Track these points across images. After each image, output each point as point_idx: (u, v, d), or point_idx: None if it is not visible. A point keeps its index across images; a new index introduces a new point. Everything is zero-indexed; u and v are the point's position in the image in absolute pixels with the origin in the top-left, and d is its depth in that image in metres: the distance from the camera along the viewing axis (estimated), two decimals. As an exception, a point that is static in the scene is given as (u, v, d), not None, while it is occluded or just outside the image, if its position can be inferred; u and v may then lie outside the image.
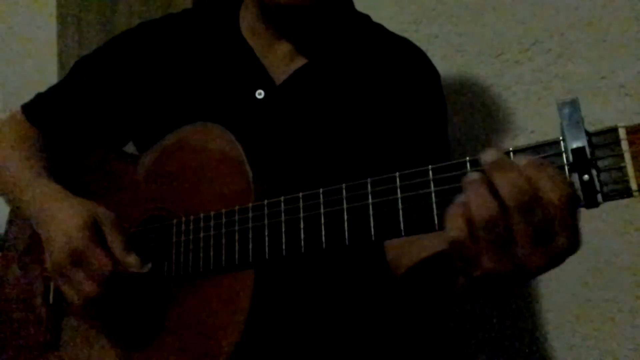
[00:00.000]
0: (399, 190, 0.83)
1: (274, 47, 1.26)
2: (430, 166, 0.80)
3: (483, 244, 0.70)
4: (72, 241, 1.05)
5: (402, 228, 0.82)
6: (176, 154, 1.15)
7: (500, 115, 1.60)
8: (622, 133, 0.67)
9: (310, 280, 1.16)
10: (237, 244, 1.00)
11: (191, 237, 1.07)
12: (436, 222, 0.79)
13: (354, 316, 1.20)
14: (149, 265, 1.07)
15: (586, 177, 0.68)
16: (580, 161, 0.68)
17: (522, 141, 1.55)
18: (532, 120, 1.56)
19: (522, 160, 0.70)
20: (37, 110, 1.37)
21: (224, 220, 1.02)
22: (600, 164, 0.68)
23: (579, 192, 0.69)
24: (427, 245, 1.02)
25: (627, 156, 0.66)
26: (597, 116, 1.43)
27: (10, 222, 1.37)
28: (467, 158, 0.77)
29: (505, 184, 0.68)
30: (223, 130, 1.08)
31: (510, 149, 0.74)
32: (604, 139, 0.68)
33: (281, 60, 1.25)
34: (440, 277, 0.97)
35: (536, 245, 0.69)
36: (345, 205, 0.88)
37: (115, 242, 1.07)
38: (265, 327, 1.05)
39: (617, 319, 1.47)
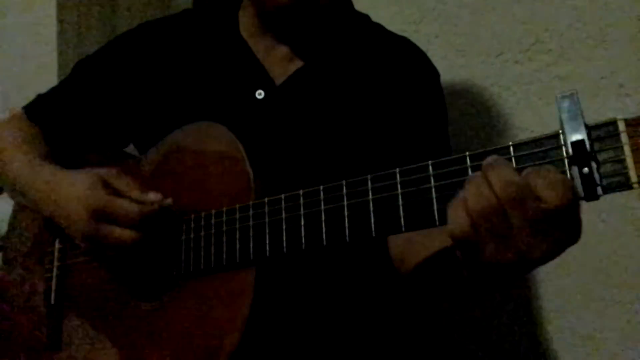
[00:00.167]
0: (399, 186, 0.83)
1: (273, 48, 1.26)
2: (430, 162, 0.80)
3: (484, 234, 0.72)
4: (89, 202, 1.06)
5: (402, 224, 0.83)
6: (177, 154, 1.16)
7: (500, 115, 1.60)
8: (621, 126, 0.67)
9: (311, 278, 1.16)
10: (238, 242, 1.00)
11: (192, 235, 1.07)
12: (436, 217, 0.79)
13: (355, 314, 1.20)
14: (170, 199, 1.07)
15: (586, 169, 0.68)
16: (580, 154, 0.69)
17: (522, 141, 1.55)
18: (532, 120, 1.56)
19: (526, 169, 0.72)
20: (38, 109, 1.37)
21: (224, 218, 1.03)
22: (599, 156, 0.68)
23: (579, 186, 0.70)
24: (433, 242, 1.02)
25: (627, 148, 0.66)
26: (597, 116, 1.42)
27: (11, 223, 1.37)
28: (467, 153, 0.77)
29: (496, 178, 0.70)
30: (224, 130, 1.09)
31: (510, 143, 0.74)
32: (604, 132, 0.69)
33: (281, 61, 1.26)
34: (446, 271, 0.97)
35: (534, 237, 0.70)
36: (345, 202, 0.88)
37: (129, 189, 1.08)
38: (267, 325, 1.06)
39: (617, 319, 1.47)
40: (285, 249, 0.95)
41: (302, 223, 0.93)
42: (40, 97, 1.40)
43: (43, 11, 2.21)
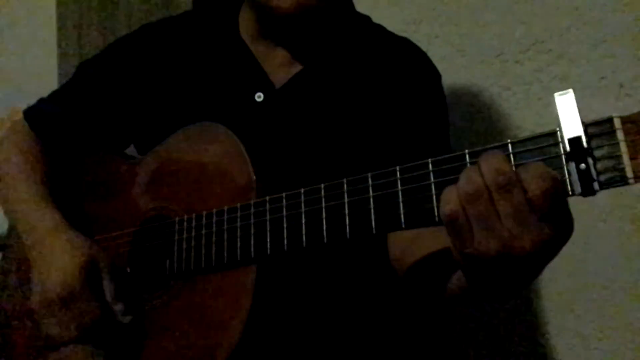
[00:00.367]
0: (399, 183, 0.83)
1: (273, 51, 1.26)
2: (429, 159, 0.81)
3: (471, 219, 0.73)
4: (67, 282, 1.08)
5: (402, 220, 0.83)
6: (178, 154, 1.16)
7: (500, 115, 1.61)
8: (617, 123, 0.68)
9: (312, 277, 1.16)
10: (238, 240, 1.01)
11: (193, 234, 1.07)
12: (436, 214, 0.80)
13: (355, 313, 1.20)
14: (129, 317, 1.10)
15: (583, 166, 0.69)
16: (577, 150, 0.70)
17: (522, 141, 1.55)
18: (532, 120, 1.56)
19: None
20: (38, 115, 1.37)
21: (225, 217, 1.03)
22: (596, 153, 0.69)
23: (573, 182, 0.71)
24: (431, 243, 1.03)
25: (623, 145, 0.67)
26: (597, 116, 1.42)
27: (10, 225, 1.37)
28: (466, 150, 0.78)
29: (487, 166, 0.72)
30: (225, 130, 1.09)
31: (509, 140, 0.75)
32: (600, 129, 0.70)
33: (281, 64, 1.26)
34: (441, 272, 0.98)
35: (519, 226, 0.71)
36: (346, 199, 0.89)
37: (109, 287, 1.10)
38: (267, 324, 1.06)
39: (617, 319, 1.47)
40: (286, 247, 0.95)
41: (303, 221, 0.93)
42: (41, 101, 1.39)
43: (43, 11, 2.22)
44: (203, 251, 1.05)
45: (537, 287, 1.55)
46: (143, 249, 1.15)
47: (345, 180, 0.89)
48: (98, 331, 1.09)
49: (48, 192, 1.25)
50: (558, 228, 0.71)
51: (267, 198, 0.98)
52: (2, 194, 1.30)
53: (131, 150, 1.37)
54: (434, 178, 0.80)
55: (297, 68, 1.25)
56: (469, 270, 0.81)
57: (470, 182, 0.72)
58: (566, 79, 1.52)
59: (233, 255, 1.01)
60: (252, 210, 0.99)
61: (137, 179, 1.21)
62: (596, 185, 0.69)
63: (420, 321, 1.37)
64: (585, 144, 0.69)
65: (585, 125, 0.70)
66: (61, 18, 2.12)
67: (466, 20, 1.66)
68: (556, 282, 1.53)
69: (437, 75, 1.31)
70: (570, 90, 0.72)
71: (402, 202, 0.83)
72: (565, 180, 0.71)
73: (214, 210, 1.05)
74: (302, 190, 0.94)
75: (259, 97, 1.22)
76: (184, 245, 1.08)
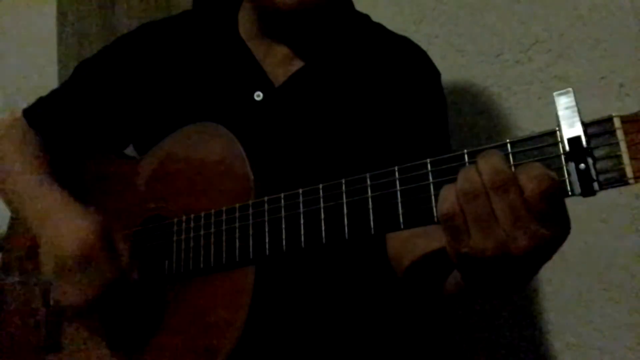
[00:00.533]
0: (397, 183, 0.83)
1: (272, 50, 1.26)
2: (428, 159, 0.81)
3: (467, 218, 0.73)
4: (86, 245, 1.06)
5: (401, 221, 0.83)
6: (177, 154, 1.16)
7: (500, 115, 1.60)
8: (617, 122, 0.68)
9: (311, 277, 1.16)
10: (237, 240, 1.00)
11: (192, 235, 1.07)
12: (435, 214, 0.79)
13: (354, 314, 1.20)
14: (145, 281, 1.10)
15: (582, 166, 0.69)
16: (576, 150, 0.70)
17: (522, 141, 1.55)
18: (532, 120, 1.56)
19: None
20: (38, 114, 1.37)
21: (224, 217, 1.03)
22: (596, 153, 0.69)
23: (572, 183, 0.70)
24: (429, 243, 1.02)
25: (623, 145, 0.67)
26: (597, 116, 1.42)
27: (11, 224, 1.37)
28: (465, 150, 0.78)
29: (485, 165, 0.72)
30: (224, 130, 1.09)
31: (508, 140, 0.75)
32: (600, 129, 0.69)
33: (280, 63, 1.26)
34: (439, 271, 0.98)
35: (514, 227, 0.71)
36: (344, 200, 0.88)
37: (125, 252, 1.09)
38: (266, 324, 1.06)
39: (617, 319, 1.47)
40: (284, 248, 0.95)
41: (302, 221, 0.93)
42: (40, 101, 1.40)
43: (43, 11, 2.22)
44: (202, 252, 1.05)
45: (537, 287, 1.55)
46: (142, 250, 1.15)
47: (343, 181, 0.89)
48: (115, 294, 1.08)
49: (52, 177, 1.26)
50: (554, 229, 0.71)
51: (266, 199, 0.98)
52: (3, 187, 1.30)
53: (130, 150, 1.37)
54: (433, 178, 0.80)
55: (296, 66, 1.25)
56: (464, 270, 0.80)
57: (468, 181, 0.72)
58: (566, 79, 1.52)
59: (232, 256, 1.01)
60: (251, 211, 0.99)
61: (136, 178, 1.21)
62: (596, 186, 0.68)
63: (419, 321, 1.37)
64: (584, 143, 0.69)
65: (585, 125, 0.70)
66: (61, 18, 2.12)
67: (466, 20, 1.66)
68: (556, 282, 1.52)
69: (436, 74, 1.31)
70: (570, 89, 0.71)
71: (401, 202, 0.83)
72: (564, 181, 0.71)
73: (213, 211, 1.04)
74: (301, 190, 0.94)
75: (258, 96, 1.22)
76: (183, 246, 1.08)
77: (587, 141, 0.69)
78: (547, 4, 1.55)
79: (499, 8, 1.61)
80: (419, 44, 1.33)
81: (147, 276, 1.13)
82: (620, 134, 0.67)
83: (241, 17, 1.31)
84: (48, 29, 2.15)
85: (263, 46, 1.27)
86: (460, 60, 1.66)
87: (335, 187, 0.90)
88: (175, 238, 1.10)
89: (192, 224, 1.07)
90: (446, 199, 0.74)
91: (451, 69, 1.64)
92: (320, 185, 0.91)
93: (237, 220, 1.01)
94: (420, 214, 0.81)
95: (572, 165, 0.70)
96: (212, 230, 1.04)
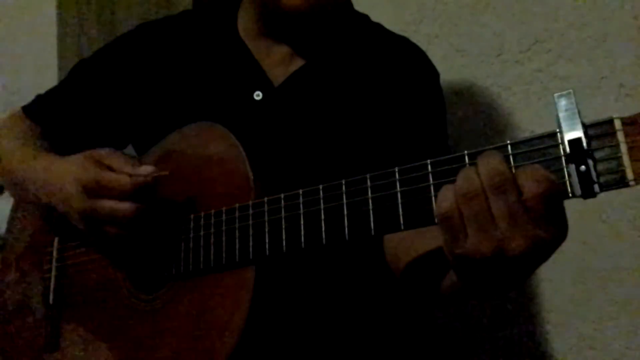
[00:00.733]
0: (398, 184, 0.83)
1: (272, 49, 1.26)
2: (428, 160, 0.81)
3: (465, 218, 0.73)
4: (81, 178, 1.06)
5: (401, 222, 0.83)
6: (176, 154, 1.16)
7: (500, 115, 1.60)
8: (617, 124, 0.68)
9: (310, 278, 1.16)
10: (237, 241, 1.00)
11: (192, 235, 1.07)
12: (435, 217, 0.79)
13: (353, 314, 1.20)
14: (165, 172, 1.06)
15: (583, 167, 0.69)
16: (577, 152, 0.70)
17: (521, 141, 1.55)
18: (532, 120, 1.56)
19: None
20: (37, 109, 1.38)
21: (224, 217, 1.03)
22: (596, 154, 0.69)
23: (573, 184, 0.70)
24: (427, 242, 1.02)
25: (623, 147, 0.67)
26: (597, 116, 1.42)
27: (10, 224, 1.37)
28: (466, 152, 0.78)
29: (484, 166, 0.72)
30: (223, 130, 1.09)
31: (508, 141, 0.75)
32: (600, 131, 0.69)
33: (279, 62, 1.26)
34: (436, 271, 0.98)
35: (512, 229, 0.71)
36: (345, 201, 0.88)
37: (121, 163, 1.07)
38: (266, 325, 1.05)
39: (617, 319, 1.47)
40: (284, 248, 0.95)
41: (302, 222, 0.93)
42: (39, 98, 1.40)
43: (43, 11, 2.22)
44: (201, 252, 1.05)
45: (537, 287, 1.55)
46: (142, 250, 1.14)
47: (343, 182, 0.89)
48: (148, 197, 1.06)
49: (48, 147, 1.28)
50: (551, 232, 0.71)
51: (266, 199, 0.98)
52: (3, 172, 1.31)
53: (130, 150, 1.37)
54: (433, 179, 0.80)
55: (296, 66, 1.25)
56: (460, 270, 0.80)
57: (467, 181, 0.72)
58: (566, 79, 1.52)
59: (231, 257, 1.01)
60: (251, 211, 0.99)
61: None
62: (596, 187, 0.69)
63: (419, 321, 1.37)
64: (585, 145, 0.69)
65: (586, 127, 0.70)
66: (61, 18, 2.12)
67: (466, 20, 1.66)
68: (556, 282, 1.52)
69: (435, 74, 1.31)
70: (571, 91, 0.71)
71: (401, 203, 0.83)
72: (565, 182, 0.71)
73: (212, 211, 1.04)
74: (301, 191, 0.94)
75: (258, 95, 1.22)
76: (182, 246, 1.08)
77: (588, 143, 0.69)
78: (547, 4, 1.55)
79: (499, 8, 1.61)
80: (419, 44, 1.33)
81: (146, 278, 1.13)
82: (620, 135, 0.67)
83: (241, 16, 1.31)
84: (48, 29, 2.15)
85: (263, 46, 1.27)
86: (460, 60, 1.66)
87: (335, 188, 0.90)
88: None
89: (191, 225, 1.07)
90: (444, 199, 0.74)
91: (451, 69, 1.64)
92: (321, 186, 0.91)
93: (237, 221, 1.01)
94: (420, 215, 0.81)
95: (572, 167, 0.70)
96: (212, 230, 1.04)
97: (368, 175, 0.87)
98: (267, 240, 0.97)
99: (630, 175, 0.66)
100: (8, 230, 1.37)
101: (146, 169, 1.04)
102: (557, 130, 0.72)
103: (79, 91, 1.35)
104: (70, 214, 1.11)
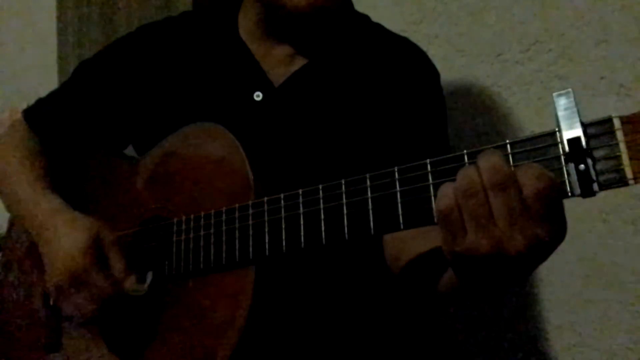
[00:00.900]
0: (397, 184, 0.83)
1: (272, 50, 1.26)
2: (428, 160, 0.81)
3: (466, 216, 0.73)
4: (73, 264, 1.08)
5: (400, 221, 0.83)
6: (176, 155, 1.16)
7: (500, 115, 1.60)
8: (616, 123, 0.68)
9: (310, 277, 1.16)
10: (237, 241, 1.00)
11: (192, 235, 1.07)
12: (435, 214, 0.79)
13: (353, 314, 1.20)
14: (146, 286, 1.09)
15: (582, 166, 0.69)
16: (576, 151, 0.70)
17: (522, 141, 1.55)
18: (532, 120, 1.56)
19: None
20: (38, 115, 1.37)
21: (224, 217, 1.03)
22: (595, 153, 0.69)
23: (572, 183, 0.70)
24: (426, 242, 1.03)
25: (622, 146, 0.67)
26: (597, 116, 1.42)
27: (10, 224, 1.37)
28: (465, 151, 0.78)
29: (485, 163, 0.72)
30: (223, 131, 1.09)
31: (508, 141, 0.75)
32: (599, 129, 0.69)
33: (280, 63, 1.26)
34: (434, 270, 0.98)
35: (511, 227, 0.71)
36: (344, 200, 0.88)
37: (116, 263, 1.09)
38: (266, 324, 1.05)
39: (617, 319, 1.47)
40: (284, 248, 0.95)
41: (302, 222, 0.93)
42: (40, 101, 1.40)
43: (43, 11, 2.21)
44: (201, 252, 1.05)
45: (537, 287, 1.55)
46: (142, 250, 1.15)
47: (343, 181, 0.89)
48: (117, 306, 1.09)
49: (49, 183, 1.26)
50: (551, 230, 0.71)
51: (266, 199, 0.98)
52: (3, 191, 1.30)
53: (130, 150, 1.37)
54: (433, 179, 0.80)
55: (296, 66, 1.25)
56: (458, 268, 0.80)
57: (466, 179, 0.72)
58: (566, 79, 1.51)
59: (231, 257, 1.01)
60: (251, 211, 0.99)
61: (136, 179, 1.21)
62: (595, 186, 0.69)
63: (419, 321, 1.37)
64: (584, 144, 0.69)
65: (585, 126, 0.70)
66: (61, 18, 2.12)
67: (466, 20, 1.66)
68: (556, 282, 1.52)
69: (435, 74, 1.31)
70: (570, 90, 0.71)
71: (401, 203, 0.83)
72: (564, 181, 0.71)
73: (212, 212, 1.04)
74: (301, 191, 0.94)
75: (258, 96, 1.22)
76: (183, 247, 1.08)
77: (587, 142, 0.69)
78: (547, 4, 1.55)
79: (499, 8, 1.61)
80: (419, 44, 1.33)
81: (145, 281, 1.13)
82: (620, 134, 0.67)
83: (241, 17, 1.31)
84: (48, 29, 2.15)
85: (263, 46, 1.27)
86: (460, 60, 1.66)
87: (335, 188, 0.90)
88: (175, 238, 1.10)
89: (191, 225, 1.07)
90: (444, 196, 0.74)
91: (451, 69, 1.64)
92: (320, 186, 0.91)
93: (237, 221, 1.01)
94: (420, 215, 0.81)
95: (571, 166, 0.70)
96: (212, 230, 1.04)
97: (367, 175, 0.87)
98: (267, 240, 0.97)
99: (629, 174, 0.66)
100: (8, 230, 1.37)
101: (132, 285, 1.08)
102: (556, 129, 0.72)
103: (81, 93, 1.35)
104: (50, 275, 1.12)
